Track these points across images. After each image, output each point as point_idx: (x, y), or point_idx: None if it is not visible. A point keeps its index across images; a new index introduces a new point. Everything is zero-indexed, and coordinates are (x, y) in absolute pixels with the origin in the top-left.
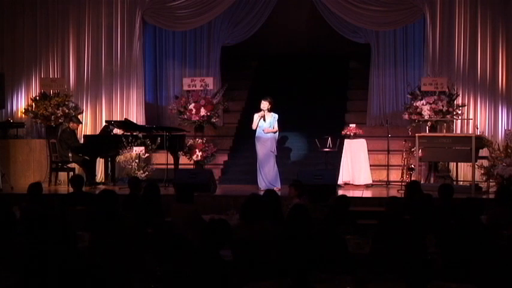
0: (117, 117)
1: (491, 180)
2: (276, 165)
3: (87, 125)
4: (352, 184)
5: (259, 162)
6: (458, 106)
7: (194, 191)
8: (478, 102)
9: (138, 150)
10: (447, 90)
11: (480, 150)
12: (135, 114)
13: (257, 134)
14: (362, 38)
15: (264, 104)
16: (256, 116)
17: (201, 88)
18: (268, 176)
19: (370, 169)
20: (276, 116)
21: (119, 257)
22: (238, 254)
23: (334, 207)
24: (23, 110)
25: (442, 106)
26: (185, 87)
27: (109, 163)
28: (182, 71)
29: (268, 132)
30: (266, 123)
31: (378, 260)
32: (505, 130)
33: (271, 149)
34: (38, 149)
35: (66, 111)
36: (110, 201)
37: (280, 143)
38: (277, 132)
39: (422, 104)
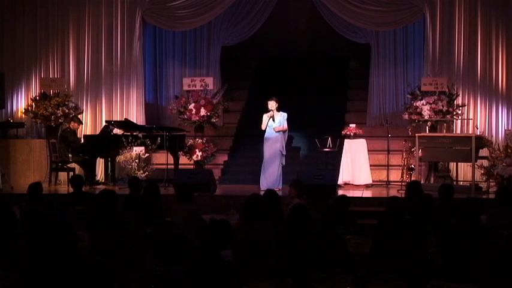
0: (117, 117)
1: (491, 180)
2: (280, 167)
3: (87, 125)
4: (352, 184)
5: (263, 163)
6: (458, 106)
7: (194, 191)
8: (478, 102)
9: (138, 150)
10: (447, 90)
11: (480, 150)
12: (135, 114)
13: (266, 134)
14: (362, 38)
15: (271, 104)
16: (265, 117)
17: (201, 88)
18: (270, 177)
19: (370, 169)
20: (285, 114)
21: (119, 257)
22: (238, 254)
23: (334, 207)
24: (23, 110)
25: (442, 106)
26: (185, 87)
27: (109, 163)
28: (182, 71)
29: (279, 131)
30: (275, 122)
31: (378, 260)
32: (505, 130)
33: (280, 148)
34: (38, 149)
35: (66, 111)
36: (110, 201)
37: None
38: (287, 131)
39: (422, 104)
